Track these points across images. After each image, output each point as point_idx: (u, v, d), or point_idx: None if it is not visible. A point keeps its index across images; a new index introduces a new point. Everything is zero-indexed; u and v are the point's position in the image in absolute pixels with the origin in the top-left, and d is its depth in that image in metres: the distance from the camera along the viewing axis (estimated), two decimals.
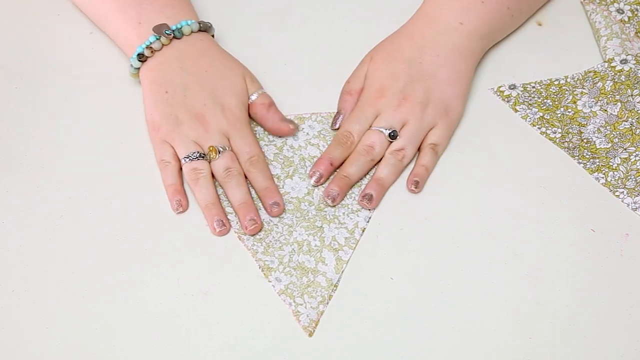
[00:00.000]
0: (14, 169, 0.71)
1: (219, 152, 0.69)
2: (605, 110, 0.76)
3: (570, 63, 0.80)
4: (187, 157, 0.69)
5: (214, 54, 0.74)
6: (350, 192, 0.71)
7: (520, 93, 0.78)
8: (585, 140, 0.75)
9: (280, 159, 0.73)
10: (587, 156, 0.74)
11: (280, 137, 0.74)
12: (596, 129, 0.75)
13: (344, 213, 0.70)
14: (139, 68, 0.74)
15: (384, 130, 0.72)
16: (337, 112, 0.75)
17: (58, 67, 0.78)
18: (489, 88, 0.78)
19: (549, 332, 0.64)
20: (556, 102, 0.77)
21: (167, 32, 0.72)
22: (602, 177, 0.73)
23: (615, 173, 0.73)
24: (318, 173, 0.71)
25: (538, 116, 0.76)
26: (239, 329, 0.64)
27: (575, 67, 0.80)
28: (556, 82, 0.79)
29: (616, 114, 0.76)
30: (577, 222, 0.70)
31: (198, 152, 0.69)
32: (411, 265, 0.67)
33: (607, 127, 0.75)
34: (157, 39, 0.72)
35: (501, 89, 0.78)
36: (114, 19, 0.75)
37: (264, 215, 0.70)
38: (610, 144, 0.74)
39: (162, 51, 0.73)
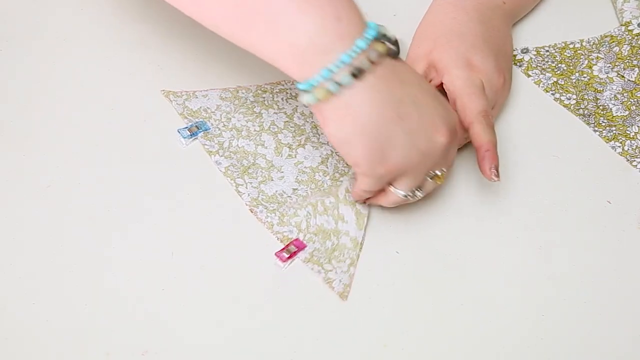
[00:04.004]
0: (0, 137, 0.69)
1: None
2: (622, 76, 0.75)
3: (586, 26, 0.79)
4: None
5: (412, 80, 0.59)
6: None
7: (533, 57, 0.76)
8: (601, 107, 0.73)
9: (291, 126, 0.71)
10: (603, 124, 0.72)
11: (290, 104, 0.70)
12: (613, 95, 0.74)
13: None
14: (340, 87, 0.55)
15: None
16: None
17: (46, 31, 0.76)
18: None
19: (562, 310, 0.62)
20: (571, 67, 0.76)
21: (383, 36, 0.56)
22: (619, 146, 0.71)
23: (633, 142, 0.71)
24: (494, 168, 0.64)
25: (552, 81, 0.75)
26: (259, 307, 0.61)
27: (591, 31, 0.78)
28: (571, 46, 0.77)
29: (633, 79, 0.75)
30: (592, 193, 0.69)
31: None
32: (416, 237, 0.65)
33: (624, 94, 0.74)
34: (375, 41, 0.55)
35: (513, 53, 0.76)
36: (284, 14, 0.55)
37: (273, 188, 0.67)
38: (627, 112, 0.73)
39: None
